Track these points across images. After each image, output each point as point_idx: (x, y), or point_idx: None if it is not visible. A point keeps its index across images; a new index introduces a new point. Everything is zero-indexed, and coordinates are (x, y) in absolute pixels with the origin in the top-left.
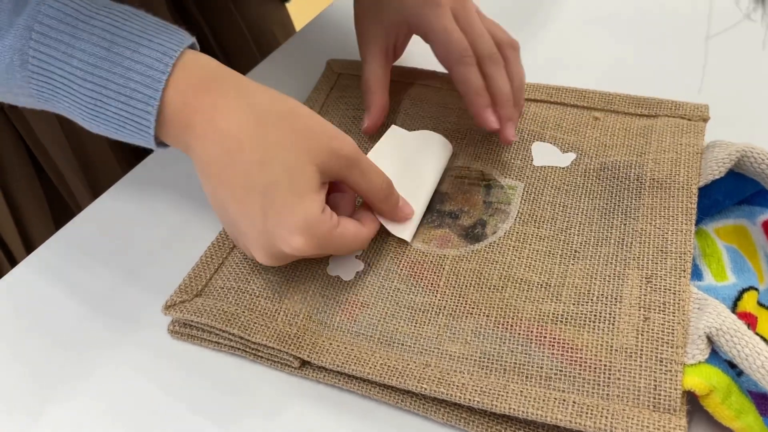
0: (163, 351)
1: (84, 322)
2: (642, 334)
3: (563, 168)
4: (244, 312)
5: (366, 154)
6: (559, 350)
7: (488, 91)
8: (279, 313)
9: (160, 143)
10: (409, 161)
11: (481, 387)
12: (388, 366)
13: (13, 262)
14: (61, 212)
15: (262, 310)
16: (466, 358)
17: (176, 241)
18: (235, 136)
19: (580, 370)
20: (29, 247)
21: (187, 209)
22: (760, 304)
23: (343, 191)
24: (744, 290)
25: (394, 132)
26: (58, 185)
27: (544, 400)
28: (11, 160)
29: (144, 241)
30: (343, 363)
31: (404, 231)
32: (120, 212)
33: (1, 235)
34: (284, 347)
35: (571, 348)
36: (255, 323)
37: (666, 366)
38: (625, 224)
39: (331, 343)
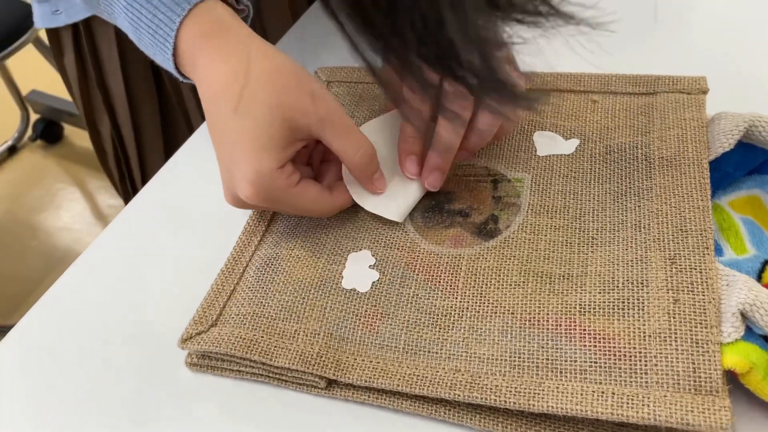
0: (183, 384)
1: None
2: (674, 317)
3: (568, 155)
4: (262, 337)
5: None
6: (590, 341)
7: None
8: (299, 334)
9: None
10: None
11: (516, 387)
12: (417, 375)
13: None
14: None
15: (281, 333)
16: (497, 359)
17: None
18: (221, 83)
19: (615, 359)
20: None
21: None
22: None
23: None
24: (766, 261)
25: (395, 114)
26: (176, 104)
27: (582, 395)
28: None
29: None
30: (370, 378)
31: (387, 210)
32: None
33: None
34: (308, 368)
35: (603, 338)
36: (275, 347)
37: (702, 347)
38: (639, 206)
39: (355, 359)
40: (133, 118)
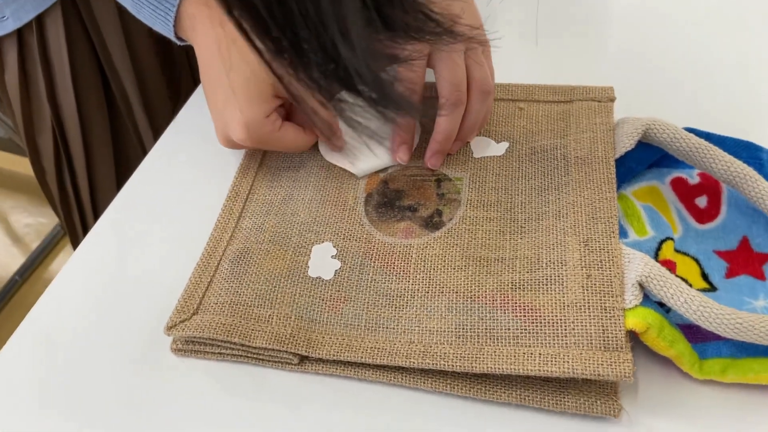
0: (170, 367)
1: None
2: (587, 290)
3: (500, 156)
4: (240, 322)
5: None
6: (521, 312)
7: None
8: (272, 318)
9: (181, 39)
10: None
11: (460, 353)
12: (378, 348)
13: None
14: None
15: (257, 318)
16: (444, 331)
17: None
18: (216, 45)
19: (541, 326)
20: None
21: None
22: (676, 250)
23: None
24: (662, 241)
25: None
26: (126, 117)
27: (514, 356)
28: (89, 94)
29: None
30: (337, 352)
31: (346, 162)
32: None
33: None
34: (283, 347)
35: (531, 309)
36: (252, 330)
37: (610, 313)
38: (559, 198)
39: (323, 337)
40: (83, 132)
